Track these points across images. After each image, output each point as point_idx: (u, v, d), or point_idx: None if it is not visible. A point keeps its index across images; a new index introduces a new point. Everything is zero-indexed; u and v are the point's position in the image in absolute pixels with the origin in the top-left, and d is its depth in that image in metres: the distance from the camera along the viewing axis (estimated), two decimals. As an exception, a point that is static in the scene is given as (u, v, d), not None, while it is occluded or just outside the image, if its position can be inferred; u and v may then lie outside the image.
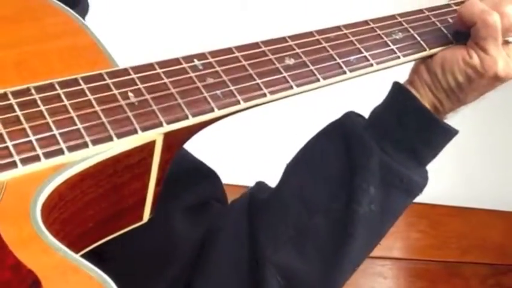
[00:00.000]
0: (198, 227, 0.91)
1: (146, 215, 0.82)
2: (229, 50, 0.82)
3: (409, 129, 0.87)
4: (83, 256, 0.67)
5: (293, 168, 0.92)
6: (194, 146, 0.88)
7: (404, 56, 0.88)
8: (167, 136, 0.75)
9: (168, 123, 0.74)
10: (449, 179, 2.11)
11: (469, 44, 0.88)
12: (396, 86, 0.90)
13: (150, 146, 0.74)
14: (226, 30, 1.88)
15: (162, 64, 0.78)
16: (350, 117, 0.91)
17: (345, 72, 0.85)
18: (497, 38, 0.86)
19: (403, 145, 0.88)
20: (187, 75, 0.78)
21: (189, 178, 0.94)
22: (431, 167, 0.97)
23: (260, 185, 0.95)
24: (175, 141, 0.77)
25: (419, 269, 2.15)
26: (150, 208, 0.81)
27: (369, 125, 0.89)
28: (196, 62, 0.79)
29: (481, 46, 0.86)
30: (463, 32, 0.90)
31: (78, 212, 0.73)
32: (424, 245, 2.13)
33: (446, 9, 0.94)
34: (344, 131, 0.89)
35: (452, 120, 0.93)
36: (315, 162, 0.90)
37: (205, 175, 0.96)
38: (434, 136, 0.89)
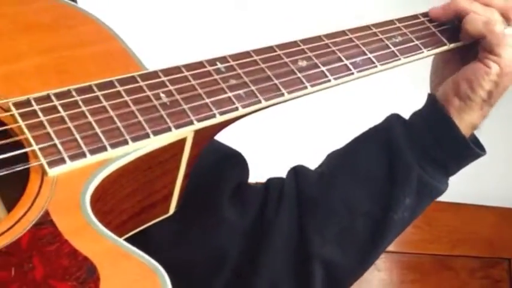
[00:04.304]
0: (245, 214, 0.98)
1: (172, 208, 0.87)
2: (247, 54, 0.87)
3: (447, 153, 0.97)
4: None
5: (339, 170, 1.00)
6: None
7: (404, 57, 0.95)
8: (197, 133, 0.79)
9: (198, 121, 0.78)
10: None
11: (483, 56, 0.96)
12: (438, 109, 0.97)
13: (181, 143, 0.79)
14: (231, 33, 1.94)
15: (188, 67, 0.83)
16: (394, 128, 0.99)
17: (352, 73, 0.91)
18: (507, 42, 0.95)
19: (438, 164, 0.97)
20: (212, 77, 0.83)
21: (224, 165, 1.01)
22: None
23: (302, 174, 1.01)
24: (202, 137, 0.81)
25: (411, 262, 2.20)
26: (176, 201, 0.86)
27: (410, 139, 0.97)
28: (219, 65, 0.84)
29: (496, 53, 0.95)
30: (456, 35, 0.98)
31: (116, 205, 0.77)
32: (417, 239, 2.18)
33: None
34: (388, 143, 0.98)
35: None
36: (359, 168, 0.99)
37: (234, 158, 1.03)
38: (467, 160, 0.99)
